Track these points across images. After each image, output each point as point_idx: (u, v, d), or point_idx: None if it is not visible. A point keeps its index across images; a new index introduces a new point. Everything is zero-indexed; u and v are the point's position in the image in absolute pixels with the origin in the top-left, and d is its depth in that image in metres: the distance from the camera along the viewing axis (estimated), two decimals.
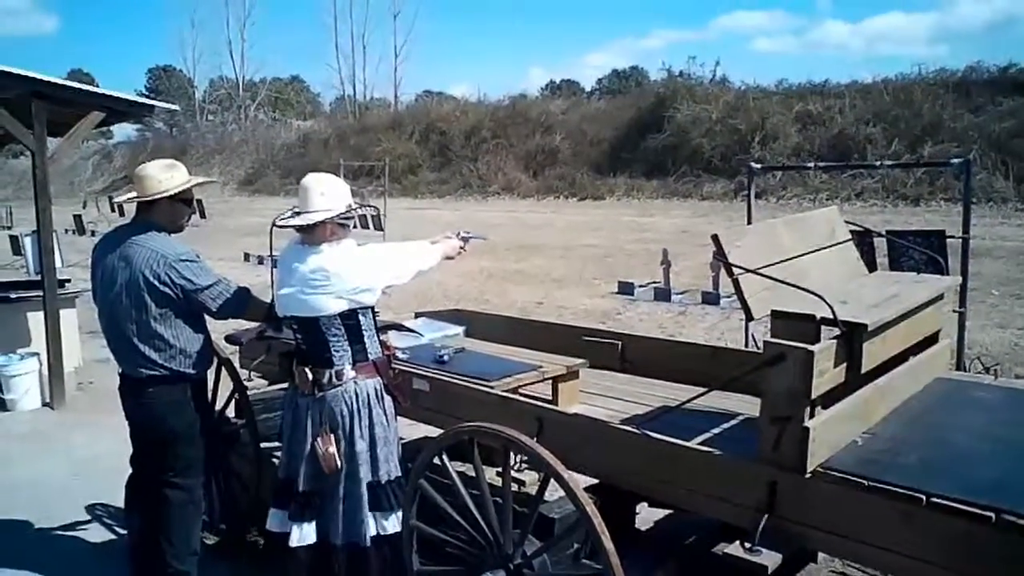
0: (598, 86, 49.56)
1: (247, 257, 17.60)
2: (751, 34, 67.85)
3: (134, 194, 3.69)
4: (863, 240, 5.43)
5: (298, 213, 3.31)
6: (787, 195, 24.55)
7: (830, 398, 2.72)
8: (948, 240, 5.77)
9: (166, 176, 3.67)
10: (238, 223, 26.45)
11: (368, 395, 3.38)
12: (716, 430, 3.25)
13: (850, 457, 2.65)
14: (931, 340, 3.38)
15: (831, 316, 2.60)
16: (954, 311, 5.12)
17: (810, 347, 2.51)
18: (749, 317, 2.94)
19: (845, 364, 2.70)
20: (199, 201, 21.46)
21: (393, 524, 3.33)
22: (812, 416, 2.59)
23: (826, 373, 2.59)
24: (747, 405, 3.35)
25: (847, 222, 3.84)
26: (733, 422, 3.35)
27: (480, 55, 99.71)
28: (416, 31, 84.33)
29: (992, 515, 2.21)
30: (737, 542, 2.88)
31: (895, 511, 2.40)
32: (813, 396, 2.56)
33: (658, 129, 31.72)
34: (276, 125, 53.70)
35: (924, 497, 2.34)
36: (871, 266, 5.24)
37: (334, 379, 3.33)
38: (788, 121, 28.32)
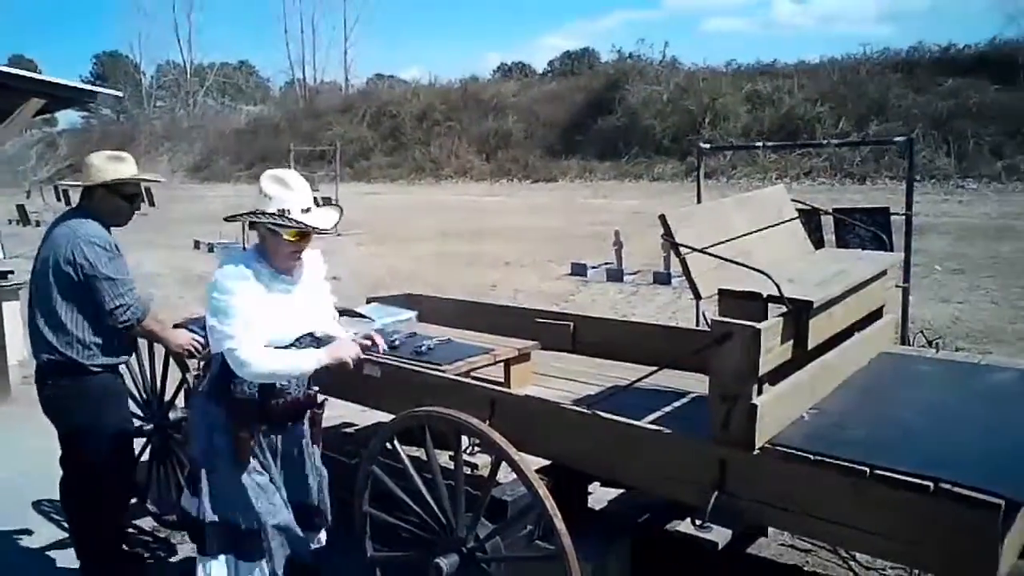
0: (550, 68, 49.45)
1: (197, 244, 17.31)
2: (702, 14, 68.24)
3: (78, 181, 3.64)
4: (810, 218, 5.49)
5: (307, 210, 2.89)
6: (737, 174, 24.81)
7: (778, 375, 2.74)
8: (892, 217, 5.87)
9: (109, 167, 3.59)
10: (188, 211, 25.99)
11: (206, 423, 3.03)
12: (667, 409, 3.26)
13: (798, 433, 2.68)
14: (876, 315, 3.43)
15: (777, 294, 2.62)
16: (898, 286, 5.21)
17: (757, 325, 2.53)
18: (697, 296, 2.96)
19: (792, 341, 2.73)
20: (147, 190, 21.03)
21: None
22: (760, 393, 2.62)
23: (773, 350, 2.61)
24: (698, 383, 3.37)
25: (794, 200, 3.88)
26: (684, 400, 3.36)
27: (433, 38, 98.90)
28: (366, 14, 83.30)
29: (931, 485, 2.25)
30: (688, 519, 2.92)
31: (841, 484, 2.44)
32: (761, 373, 2.58)
33: (610, 111, 31.84)
34: (225, 111, 52.80)
35: (868, 470, 2.38)
36: (818, 243, 5.31)
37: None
38: (738, 101, 28.59)
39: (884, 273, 3.33)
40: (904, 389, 3.09)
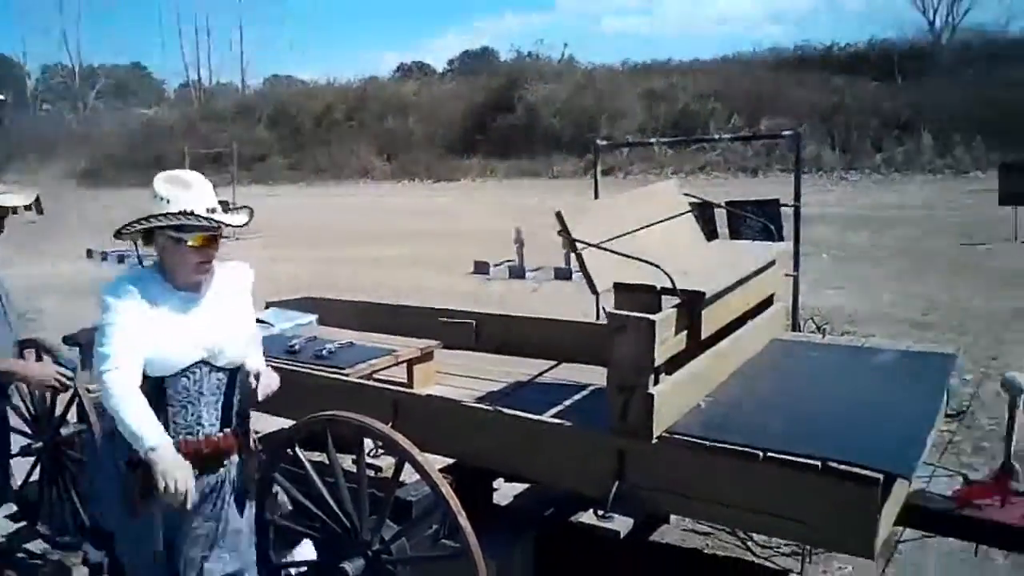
0: (450, 67, 49.32)
1: (90, 254, 16.60)
2: (598, 14, 69.22)
3: None
4: (704, 211, 5.64)
5: (212, 211, 2.54)
6: (635, 171, 25.26)
7: (673, 365, 2.82)
8: (782, 208, 6.08)
9: None
10: (80, 218, 24.88)
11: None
12: (568, 402, 3.31)
13: (694, 420, 2.76)
14: (767, 303, 3.56)
15: (671, 286, 2.69)
16: (788, 275, 5.39)
17: (651, 317, 2.59)
18: (593, 291, 3.01)
19: (686, 331, 2.81)
20: (38, 197, 19.96)
21: None
22: (656, 383, 2.68)
23: (668, 341, 2.68)
24: (599, 376, 3.43)
25: (686, 194, 3.98)
26: (585, 393, 3.42)
27: (330, 38, 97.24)
28: (262, 14, 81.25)
29: (818, 464, 2.35)
30: (591, 510, 2.97)
31: (736, 468, 2.53)
32: (656, 364, 2.64)
33: (509, 110, 32.00)
34: (118, 114, 50.76)
35: (761, 453, 2.47)
36: (712, 236, 5.46)
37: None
38: (634, 99, 29.14)
39: (773, 263, 3.45)
40: (794, 374, 3.21)
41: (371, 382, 3.47)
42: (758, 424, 2.70)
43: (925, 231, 13.09)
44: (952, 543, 3.32)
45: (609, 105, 29.17)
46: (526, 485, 3.69)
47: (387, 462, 3.21)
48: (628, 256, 2.90)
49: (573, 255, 3.08)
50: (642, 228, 3.34)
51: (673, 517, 4.09)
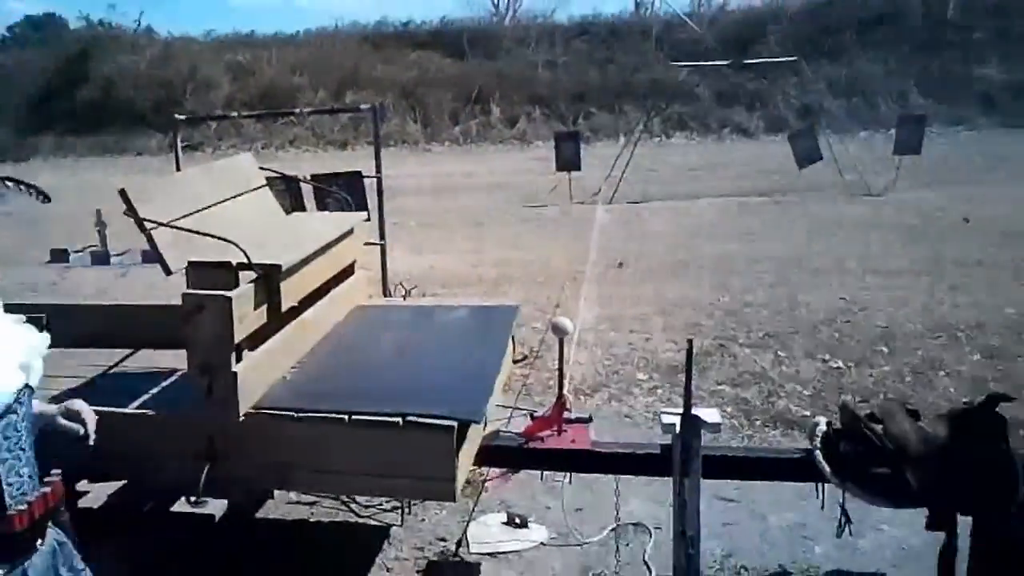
0: (10, 34, 43.00)
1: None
2: None
3: None
4: (289, 185, 5.67)
5: None
6: (224, 146, 24.32)
7: (257, 340, 2.81)
8: (366, 179, 6.29)
9: None
10: None
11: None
12: (155, 390, 3.16)
13: (282, 393, 2.79)
14: (348, 272, 3.68)
15: (246, 261, 2.67)
16: (371, 243, 5.59)
17: (227, 294, 2.56)
18: (167, 271, 2.88)
19: (266, 305, 2.81)
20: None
21: None
22: (239, 361, 2.66)
23: (247, 317, 2.67)
24: (183, 360, 3.31)
25: (263, 168, 3.95)
26: (172, 379, 3.28)
27: None
28: None
29: (399, 420, 2.52)
30: (183, 498, 2.88)
31: (326, 435, 2.61)
32: (237, 340, 2.62)
33: (85, 82, 28.90)
34: None
35: (347, 416, 2.57)
36: (300, 209, 5.50)
37: None
38: (219, 72, 27.95)
39: (351, 232, 3.57)
40: (377, 337, 3.38)
41: None
42: (344, 389, 2.81)
43: (498, 197, 14.34)
44: None
45: (193, 78, 27.66)
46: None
47: None
48: (200, 233, 2.82)
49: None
50: (217, 204, 3.26)
51: (278, 492, 4.10)
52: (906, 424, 2.54)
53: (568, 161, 13.70)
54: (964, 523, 2.54)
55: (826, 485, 2.61)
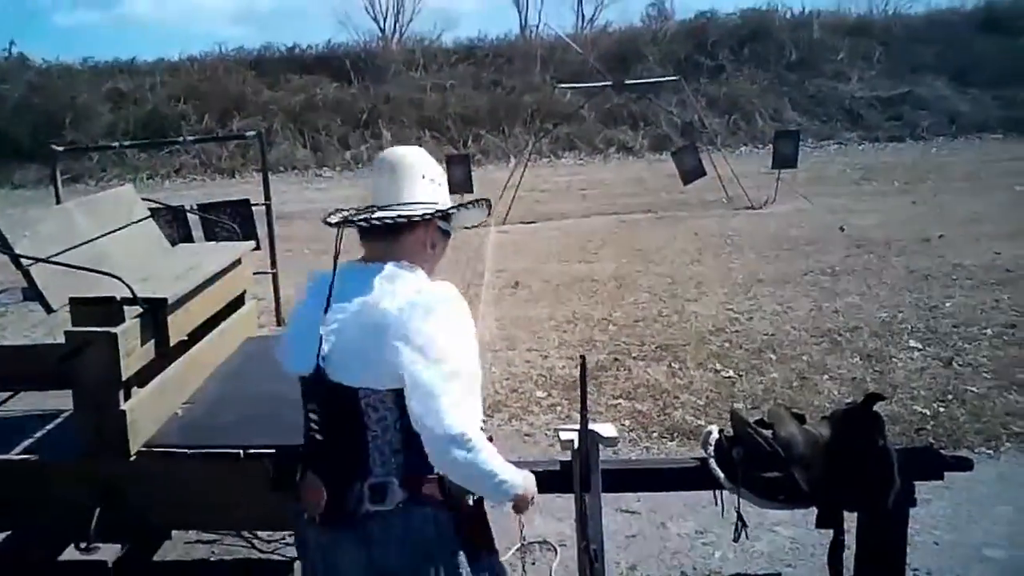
0: None
1: None
2: (49, 7, 61.83)
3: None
4: (176, 216, 5.51)
5: (372, 208, 2.04)
6: (108, 176, 23.42)
7: (145, 376, 2.73)
8: (255, 207, 6.18)
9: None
10: None
11: (432, 537, 1.95)
12: (40, 434, 3.03)
13: (174, 430, 2.72)
14: (239, 303, 3.61)
15: (131, 295, 2.60)
16: (258, 272, 5.46)
17: (113, 330, 2.49)
18: (48, 309, 2.78)
19: (153, 340, 2.74)
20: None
21: None
22: (128, 398, 2.58)
23: (134, 353, 2.59)
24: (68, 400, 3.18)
25: (145, 199, 3.84)
26: (58, 421, 3.15)
27: None
28: None
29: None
30: (72, 544, 2.76)
31: (221, 471, 2.55)
32: (125, 378, 2.54)
33: None
34: None
35: (241, 451, 2.52)
36: (188, 240, 5.35)
37: (368, 501, 1.93)
38: (99, 100, 26.92)
39: (239, 262, 3.51)
40: (267, 368, 3.31)
41: None
42: (237, 422, 2.76)
43: None
44: None
45: (72, 107, 26.56)
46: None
47: None
48: (82, 268, 2.73)
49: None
50: (98, 238, 3.16)
51: (176, 532, 3.96)
52: (793, 427, 2.65)
53: (460, 183, 13.74)
54: (851, 519, 2.68)
55: (723, 491, 2.70)
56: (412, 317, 1.87)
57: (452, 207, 2.13)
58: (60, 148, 7.25)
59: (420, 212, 2.01)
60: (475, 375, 1.93)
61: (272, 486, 2.15)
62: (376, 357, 1.86)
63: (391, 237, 2.01)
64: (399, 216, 1.98)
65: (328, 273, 2.03)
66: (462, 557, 1.96)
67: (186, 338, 2.98)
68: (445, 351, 1.86)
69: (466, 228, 2.39)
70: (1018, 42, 24.25)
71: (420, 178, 2.05)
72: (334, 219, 2.08)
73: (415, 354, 1.83)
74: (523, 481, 2.01)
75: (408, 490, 1.92)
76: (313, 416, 2.02)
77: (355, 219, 2.03)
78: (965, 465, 2.73)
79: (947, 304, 7.26)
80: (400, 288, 1.93)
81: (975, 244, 9.61)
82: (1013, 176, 15.06)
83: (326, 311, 1.95)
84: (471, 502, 2.04)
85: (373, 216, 2.01)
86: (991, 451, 4.64)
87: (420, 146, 2.24)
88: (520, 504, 2.05)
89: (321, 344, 1.92)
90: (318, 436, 2.01)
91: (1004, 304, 7.17)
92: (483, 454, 1.86)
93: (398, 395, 1.87)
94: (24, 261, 2.74)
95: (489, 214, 2.32)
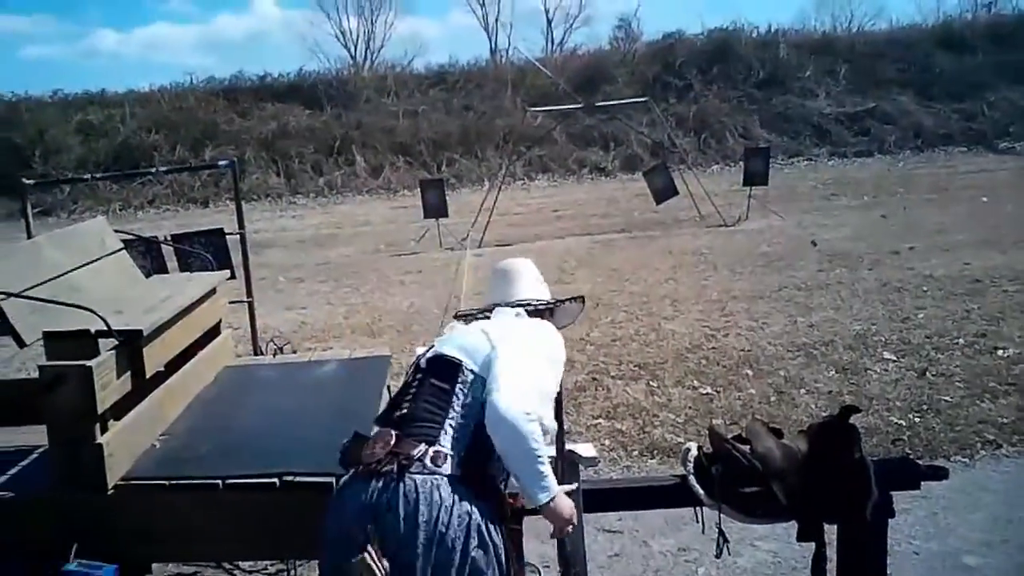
0: None
1: None
2: (16, 40, 61.39)
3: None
4: (149, 247, 5.48)
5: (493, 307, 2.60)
6: (80, 208, 23.20)
7: (121, 409, 2.71)
8: (229, 236, 6.16)
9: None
10: None
11: (473, 522, 2.06)
12: (14, 470, 2.99)
13: (151, 462, 2.69)
14: (215, 332, 3.59)
15: (105, 328, 2.58)
16: (232, 302, 5.45)
17: (88, 363, 2.47)
18: (21, 344, 2.75)
19: (129, 372, 2.72)
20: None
21: None
22: (104, 431, 2.56)
23: (110, 386, 2.57)
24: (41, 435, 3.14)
25: (118, 231, 3.83)
26: (33, 456, 3.11)
27: None
28: None
29: (276, 480, 2.47)
30: None
31: (199, 502, 2.53)
32: (101, 411, 2.52)
33: None
34: None
35: (220, 482, 2.50)
36: (162, 271, 5.32)
37: (428, 461, 2.08)
38: (69, 133, 26.73)
39: (214, 291, 3.49)
40: (247, 397, 3.31)
41: None
42: (216, 453, 2.74)
43: (367, 246, 14.24)
44: None
45: (42, 139, 26.35)
46: None
47: None
48: (55, 302, 2.71)
49: None
50: (71, 271, 3.14)
51: (157, 565, 3.91)
52: (770, 442, 2.68)
53: (435, 208, 13.77)
54: (832, 531, 2.70)
55: (703, 508, 2.71)
56: (521, 329, 2.40)
57: (558, 301, 2.66)
58: (30, 181, 7.17)
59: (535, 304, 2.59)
60: (550, 394, 2.29)
61: (340, 459, 2.24)
62: (490, 340, 2.27)
63: None
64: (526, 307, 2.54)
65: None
66: (500, 542, 2.11)
67: (163, 369, 2.96)
68: (538, 360, 2.30)
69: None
70: (976, 58, 24.82)
71: (534, 280, 2.69)
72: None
73: (512, 347, 2.25)
74: (559, 493, 2.18)
75: (463, 471, 2.09)
76: (408, 396, 2.25)
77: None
78: (941, 474, 2.77)
79: (919, 315, 7.35)
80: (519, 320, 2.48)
81: (944, 255, 9.76)
82: (978, 188, 15.36)
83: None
84: (510, 512, 2.25)
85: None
86: (966, 459, 4.69)
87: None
88: (558, 521, 2.20)
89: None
90: (405, 407, 2.22)
91: (975, 314, 7.27)
92: (539, 438, 2.10)
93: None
94: None
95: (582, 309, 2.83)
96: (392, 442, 2.09)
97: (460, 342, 2.31)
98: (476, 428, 2.13)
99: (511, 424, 2.05)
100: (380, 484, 2.04)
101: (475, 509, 2.05)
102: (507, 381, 2.12)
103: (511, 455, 2.10)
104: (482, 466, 2.13)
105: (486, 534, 2.06)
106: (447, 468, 2.07)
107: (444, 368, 2.24)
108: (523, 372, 2.18)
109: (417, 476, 2.03)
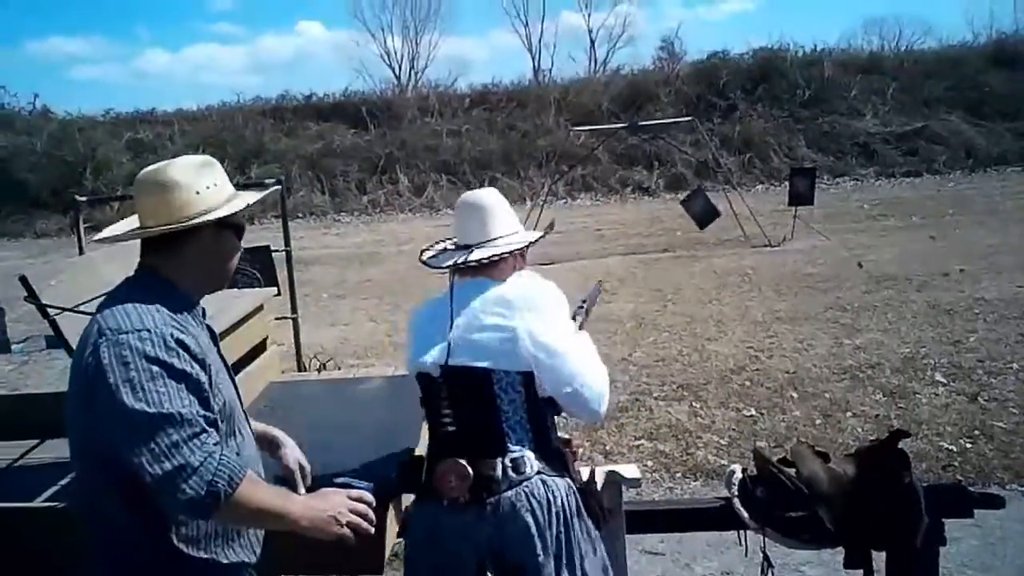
0: None
1: None
2: (69, 61, 63.51)
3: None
4: None
5: (466, 247, 2.39)
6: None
7: None
8: (275, 254, 6.26)
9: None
10: None
11: (565, 503, 2.22)
12: (64, 481, 3.03)
13: None
14: (261, 348, 3.63)
15: None
16: (278, 318, 5.53)
17: None
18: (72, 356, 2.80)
19: None
20: None
21: None
22: None
23: None
24: None
25: None
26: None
27: None
28: None
29: None
30: None
31: None
32: None
33: None
34: None
35: None
36: None
37: (511, 472, 2.19)
38: (119, 150, 27.41)
39: (261, 307, 3.54)
40: (293, 413, 3.33)
41: None
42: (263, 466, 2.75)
43: (410, 264, 14.34)
44: None
45: (93, 157, 27.03)
46: None
47: None
48: None
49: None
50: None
51: None
52: (816, 465, 2.64)
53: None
54: (880, 558, 2.64)
55: (747, 531, 2.68)
56: (532, 293, 2.28)
57: (537, 237, 2.49)
58: (83, 198, 7.36)
59: (518, 246, 2.38)
60: (585, 337, 2.42)
61: (397, 487, 2.36)
62: (505, 333, 2.20)
63: (490, 267, 2.34)
64: (504, 253, 2.33)
65: (435, 298, 2.41)
66: (591, 525, 2.26)
67: None
68: (562, 324, 2.29)
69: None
70: None
71: (505, 215, 2.43)
72: (444, 263, 2.39)
73: (539, 327, 2.21)
74: None
75: (542, 459, 2.21)
76: (445, 411, 2.29)
77: (461, 262, 2.33)
78: (996, 502, 2.70)
79: (970, 338, 7.20)
80: (513, 280, 2.33)
81: (996, 277, 9.55)
82: None
83: (451, 320, 2.27)
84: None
85: (486, 256, 2.32)
86: (1023, 488, 4.56)
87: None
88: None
89: (450, 345, 2.24)
90: (451, 428, 2.28)
91: None
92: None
93: (526, 377, 2.20)
94: (51, 311, 2.77)
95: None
96: (469, 472, 2.16)
97: (472, 345, 2.23)
98: (528, 411, 2.23)
99: (605, 399, 2.35)
100: (475, 514, 2.17)
101: (568, 497, 2.20)
102: (576, 368, 2.24)
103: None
104: (547, 438, 2.27)
105: (584, 518, 2.24)
106: (529, 469, 2.18)
107: (472, 378, 2.23)
108: (571, 352, 2.25)
109: (508, 493, 2.15)
